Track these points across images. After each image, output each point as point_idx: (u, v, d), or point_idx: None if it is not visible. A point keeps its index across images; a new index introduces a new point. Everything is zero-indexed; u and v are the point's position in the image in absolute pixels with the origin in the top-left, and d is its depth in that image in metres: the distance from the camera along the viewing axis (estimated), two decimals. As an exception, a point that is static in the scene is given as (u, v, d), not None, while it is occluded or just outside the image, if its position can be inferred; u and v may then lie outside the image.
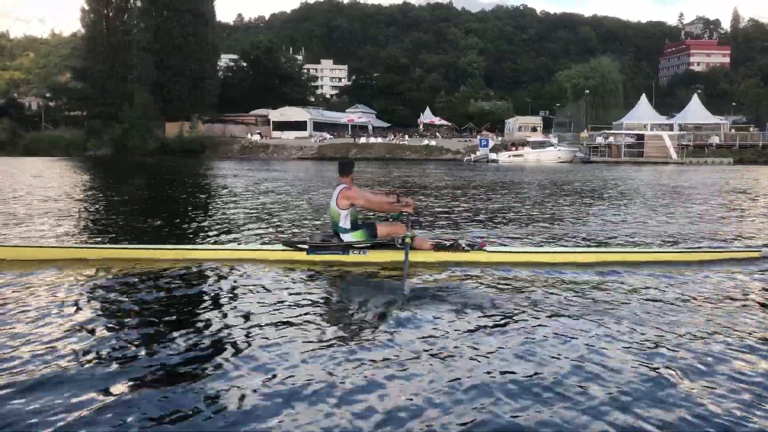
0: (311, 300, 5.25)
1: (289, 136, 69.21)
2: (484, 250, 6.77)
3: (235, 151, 63.85)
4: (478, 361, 3.80)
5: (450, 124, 78.18)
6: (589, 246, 8.13)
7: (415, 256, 6.44)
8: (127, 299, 5.28)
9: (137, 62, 68.07)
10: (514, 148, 49.52)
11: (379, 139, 63.84)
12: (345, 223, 6.64)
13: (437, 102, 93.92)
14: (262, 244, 7.91)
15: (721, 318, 4.76)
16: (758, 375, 3.62)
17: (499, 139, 60.27)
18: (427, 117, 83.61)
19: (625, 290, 5.66)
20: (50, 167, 36.66)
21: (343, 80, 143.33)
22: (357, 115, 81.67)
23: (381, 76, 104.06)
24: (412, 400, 3.26)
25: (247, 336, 4.28)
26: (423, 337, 4.25)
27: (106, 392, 3.35)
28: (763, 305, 5.20)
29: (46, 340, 4.16)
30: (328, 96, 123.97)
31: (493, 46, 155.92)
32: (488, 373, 3.61)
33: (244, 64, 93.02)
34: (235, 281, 5.89)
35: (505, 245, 7.77)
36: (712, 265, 6.72)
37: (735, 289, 5.76)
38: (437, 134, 71.38)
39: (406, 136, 67.37)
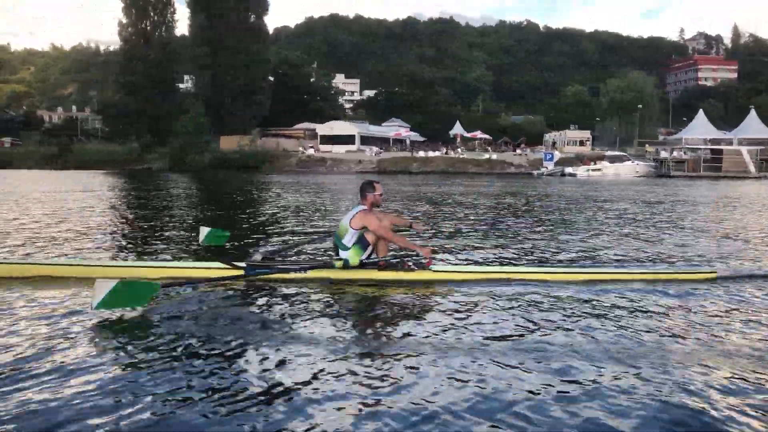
0: (243, 319, 5.13)
1: (338, 150, 69.67)
2: (429, 269, 6.63)
3: (293, 165, 64.19)
4: (412, 383, 3.74)
5: (490, 137, 79.20)
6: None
7: (368, 274, 6.49)
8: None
9: (192, 76, 68.26)
10: (591, 162, 50.54)
11: (437, 153, 64.51)
12: (349, 241, 6.60)
13: (465, 115, 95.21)
14: (198, 260, 7.50)
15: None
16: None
17: (556, 152, 61.17)
18: (456, 130, 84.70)
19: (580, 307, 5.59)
20: (133, 181, 36.71)
21: (355, 94, 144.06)
22: (399, 129, 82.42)
23: (409, 92, 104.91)
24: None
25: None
26: (356, 355, 4.23)
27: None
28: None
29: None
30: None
31: (495, 60, 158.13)
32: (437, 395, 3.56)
33: (271, 78, 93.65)
34: (165, 299, 5.68)
35: (450, 263, 7.67)
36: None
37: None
38: (475, 148, 72.46)
39: (459, 150, 68.10)
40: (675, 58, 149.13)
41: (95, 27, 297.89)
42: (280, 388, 3.61)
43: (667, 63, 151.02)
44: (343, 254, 6.59)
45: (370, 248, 6.65)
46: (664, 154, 54.69)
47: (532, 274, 6.79)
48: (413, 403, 3.40)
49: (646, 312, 5.46)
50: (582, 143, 67.49)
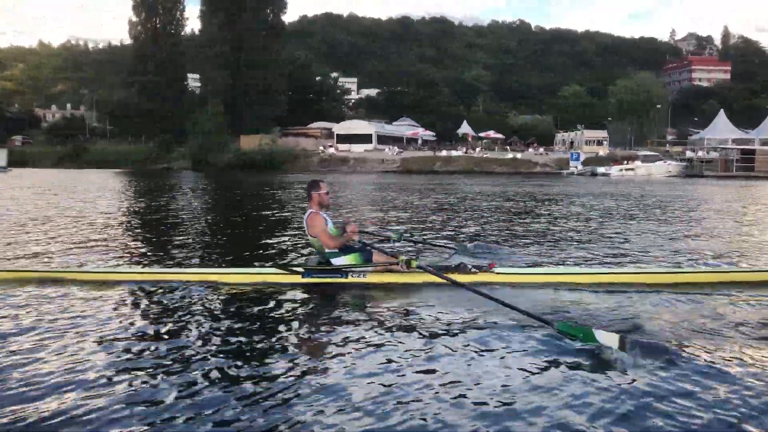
0: (307, 325, 5.11)
1: (357, 149, 69.57)
2: (492, 272, 6.46)
3: (315, 164, 64.06)
4: (487, 386, 3.73)
5: (503, 137, 79.45)
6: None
7: (423, 278, 6.23)
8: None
9: (212, 75, 67.91)
10: (625, 162, 50.94)
11: (460, 152, 64.67)
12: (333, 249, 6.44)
13: (470, 115, 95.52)
14: (254, 266, 7.38)
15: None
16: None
17: (580, 153, 61.39)
18: (464, 129, 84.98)
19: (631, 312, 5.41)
20: (165, 181, 36.54)
21: (353, 93, 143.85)
22: (411, 128, 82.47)
23: (412, 91, 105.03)
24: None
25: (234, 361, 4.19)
26: (429, 358, 4.23)
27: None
28: None
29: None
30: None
31: (494, 60, 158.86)
32: (505, 400, 3.52)
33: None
34: (223, 305, 5.72)
35: (513, 266, 7.38)
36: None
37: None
38: (495, 147, 72.68)
39: (479, 149, 68.27)
40: (669, 59, 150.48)
41: (82, 24, 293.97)
42: (332, 401, 3.49)
43: (659, 63, 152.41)
44: (337, 261, 6.42)
45: (368, 253, 6.56)
46: (689, 154, 55.28)
47: (598, 276, 6.63)
48: (472, 413, 3.33)
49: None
50: (599, 143, 67.83)
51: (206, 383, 3.74)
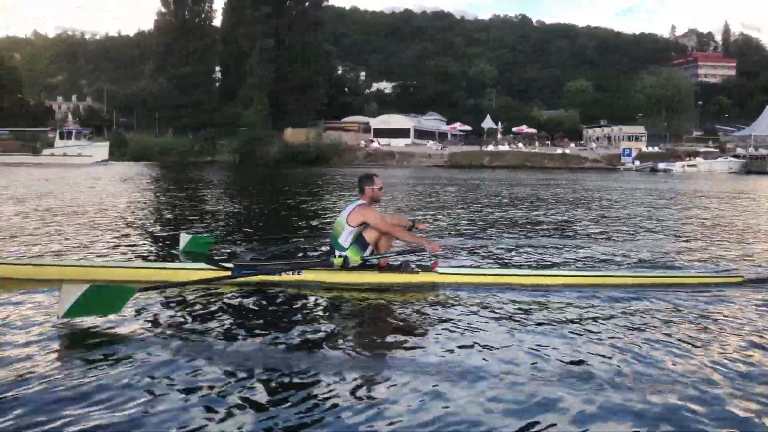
0: (234, 324, 4.79)
1: (396, 143, 69.58)
2: (435, 272, 6.25)
3: (360, 159, 63.95)
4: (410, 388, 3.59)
5: (535, 131, 79.78)
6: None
7: (368, 277, 6.07)
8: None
9: (257, 69, 67.47)
10: (688, 158, 51.57)
11: (507, 147, 65.00)
12: (346, 240, 6.11)
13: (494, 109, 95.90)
14: (182, 261, 7.05)
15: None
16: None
17: (632, 149, 61.68)
18: (487, 124, 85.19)
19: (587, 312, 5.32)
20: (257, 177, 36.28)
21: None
22: (440, 123, 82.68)
23: (432, 85, 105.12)
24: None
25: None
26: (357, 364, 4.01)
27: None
28: None
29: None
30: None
31: (496, 55, 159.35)
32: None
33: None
34: (143, 303, 5.21)
35: (456, 267, 7.14)
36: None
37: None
38: (534, 142, 73.18)
39: (521, 144, 68.62)
40: (674, 55, 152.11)
41: (72, 15, 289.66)
42: (259, 403, 3.34)
43: (660, 60, 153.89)
44: (340, 254, 6.13)
45: (370, 248, 6.18)
46: (740, 150, 56.09)
47: (540, 278, 6.43)
48: (406, 420, 3.18)
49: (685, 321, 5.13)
50: (637, 139, 68.55)
51: (101, 380, 3.53)
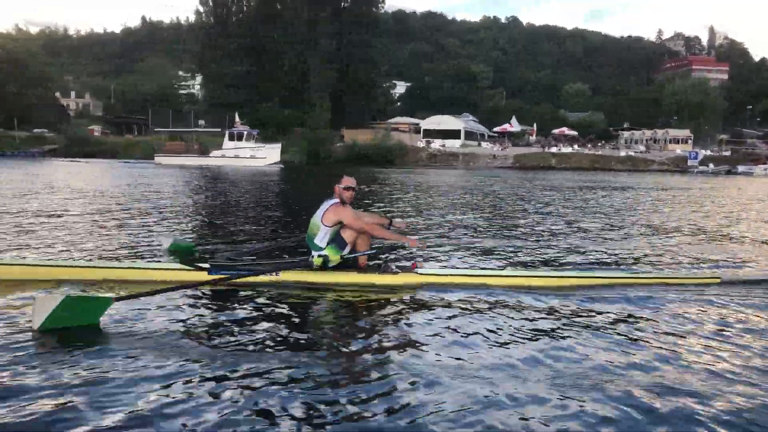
0: (209, 326, 4.71)
1: (450, 144, 69.83)
2: (415, 272, 6.23)
3: (424, 159, 64.15)
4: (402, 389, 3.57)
5: (576, 133, 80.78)
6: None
7: (347, 278, 6.04)
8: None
9: (319, 71, 67.00)
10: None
11: (572, 149, 65.80)
12: (322, 240, 6.02)
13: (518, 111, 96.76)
14: (157, 262, 6.90)
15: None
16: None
17: (701, 151, 62.84)
18: (515, 125, 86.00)
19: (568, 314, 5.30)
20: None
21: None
22: (475, 123, 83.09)
23: (451, 85, 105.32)
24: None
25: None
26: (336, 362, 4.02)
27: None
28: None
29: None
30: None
31: (488, 56, 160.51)
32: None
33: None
34: (117, 305, 4.95)
35: (436, 267, 7.17)
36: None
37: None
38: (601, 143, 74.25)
39: (576, 146, 69.51)
40: (668, 59, 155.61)
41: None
42: (238, 412, 3.26)
43: (649, 63, 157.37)
44: (317, 255, 6.04)
45: (347, 248, 6.06)
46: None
47: (523, 278, 6.42)
48: (384, 423, 3.18)
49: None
50: (684, 141, 70.25)
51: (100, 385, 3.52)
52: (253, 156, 46.70)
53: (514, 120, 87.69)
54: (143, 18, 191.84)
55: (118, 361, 3.88)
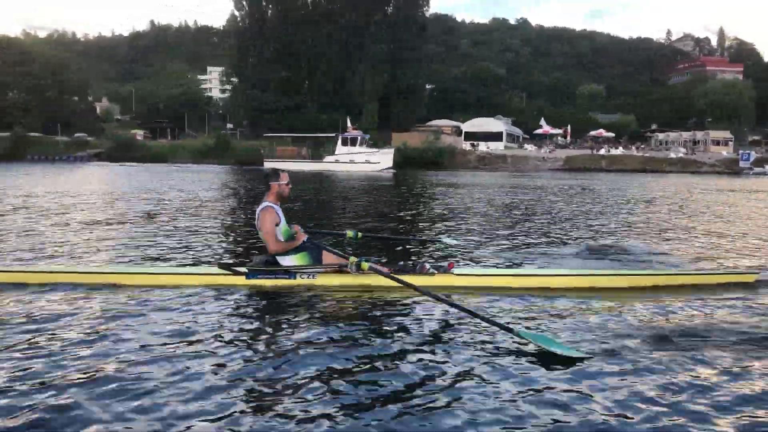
0: (249, 330, 4.71)
1: (494, 146, 69.90)
2: (451, 273, 6.13)
3: (473, 161, 64.20)
4: (447, 394, 3.53)
5: (613, 135, 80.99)
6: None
7: (375, 280, 5.82)
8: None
9: (370, 75, 67.11)
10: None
11: (619, 151, 65.95)
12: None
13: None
14: (194, 266, 7.01)
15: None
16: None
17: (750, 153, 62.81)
18: (545, 126, 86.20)
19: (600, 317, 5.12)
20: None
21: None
22: (510, 126, 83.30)
23: (476, 89, 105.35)
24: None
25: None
26: (384, 369, 3.92)
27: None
28: None
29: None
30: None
31: (503, 58, 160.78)
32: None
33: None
34: (158, 308, 5.20)
35: (473, 267, 7.13)
36: None
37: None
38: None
39: (620, 147, 69.67)
40: (681, 60, 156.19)
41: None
42: (277, 413, 3.29)
43: (661, 65, 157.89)
44: (285, 262, 6.00)
45: (317, 252, 6.09)
46: None
47: (546, 278, 6.26)
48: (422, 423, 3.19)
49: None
50: (725, 143, 70.58)
51: (139, 388, 3.56)
52: (367, 161, 46.57)
53: (543, 122, 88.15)
54: (152, 22, 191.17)
55: (151, 365, 3.90)
